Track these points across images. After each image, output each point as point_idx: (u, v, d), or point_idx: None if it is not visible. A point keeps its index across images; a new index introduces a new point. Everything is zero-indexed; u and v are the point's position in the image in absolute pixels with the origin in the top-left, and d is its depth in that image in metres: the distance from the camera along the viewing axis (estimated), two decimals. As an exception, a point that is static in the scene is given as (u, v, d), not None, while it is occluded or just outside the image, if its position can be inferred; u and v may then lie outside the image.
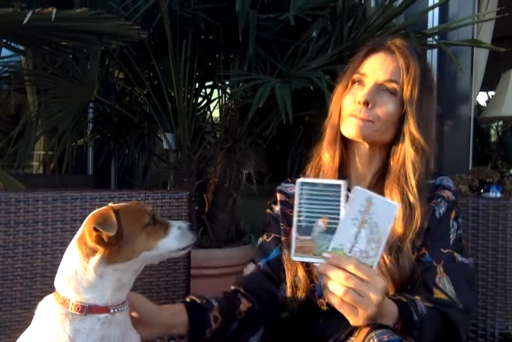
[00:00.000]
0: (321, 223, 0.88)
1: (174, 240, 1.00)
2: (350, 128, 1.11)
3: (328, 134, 1.18)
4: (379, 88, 1.11)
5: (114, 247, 0.94)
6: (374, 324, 0.86)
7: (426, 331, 0.97)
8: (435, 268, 1.07)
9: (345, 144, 1.18)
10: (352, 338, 0.89)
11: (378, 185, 1.13)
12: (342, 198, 0.87)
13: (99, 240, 0.93)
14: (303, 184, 0.90)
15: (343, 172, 1.18)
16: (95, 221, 0.93)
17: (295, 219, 0.90)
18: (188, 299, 1.13)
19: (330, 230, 0.87)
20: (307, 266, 1.14)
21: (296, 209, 0.90)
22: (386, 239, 0.85)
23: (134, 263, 0.97)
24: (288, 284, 1.16)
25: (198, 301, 1.12)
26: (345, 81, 1.18)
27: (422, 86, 1.11)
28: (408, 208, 1.08)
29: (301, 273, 1.14)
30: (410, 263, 1.06)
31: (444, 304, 1.03)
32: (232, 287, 1.22)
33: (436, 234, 1.11)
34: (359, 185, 1.14)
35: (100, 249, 0.93)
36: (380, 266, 0.99)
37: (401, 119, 1.11)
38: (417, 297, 1.03)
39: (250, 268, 1.24)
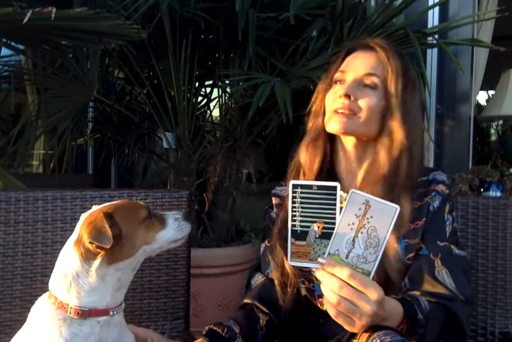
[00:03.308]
0: (316, 228, 0.86)
1: (173, 231, 1.01)
2: (334, 124, 1.11)
3: (310, 136, 1.18)
4: (359, 83, 1.11)
5: (115, 246, 0.94)
6: (376, 325, 0.86)
7: (431, 327, 0.97)
8: (433, 262, 1.07)
9: (332, 145, 1.19)
10: (354, 340, 0.89)
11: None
12: (338, 201, 0.85)
13: (99, 246, 0.93)
14: (295, 186, 0.88)
15: (333, 172, 1.18)
16: (90, 234, 0.92)
17: (289, 223, 0.88)
18: (207, 329, 1.10)
19: (326, 235, 0.85)
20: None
21: (290, 213, 0.88)
22: (385, 243, 0.83)
23: (134, 259, 0.97)
24: (277, 281, 1.15)
25: (219, 331, 1.09)
26: (327, 82, 1.18)
27: (404, 79, 1.11)
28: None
29: (288, 267, 1.13)
30: (397, 258, 1.05)
31: (445, 298, 1.03)
32: (246, 301, 1.20)
33: (432, 227, 1.10)
34: (351, 184, 1.14)
35: (102, 252, 0.93)
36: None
37: (384, 114, 1.11)
38: (417, 293, 1.03)
39: (258, 278, 1.23)
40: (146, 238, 0.97)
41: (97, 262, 0.93)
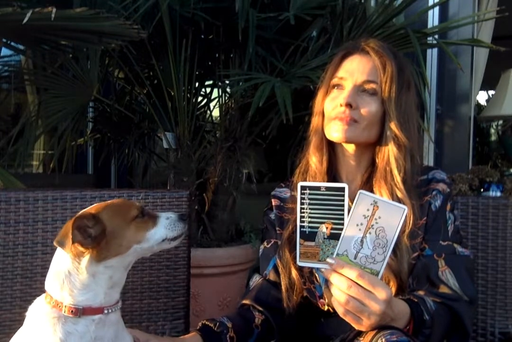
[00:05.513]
0: (324, 229, 0.87)
1: (163, 229, 1.00)
2: (336, 133, 1.11)
3: (313, 139, 1.19)
4: (358, 90, 1.12)
5: (101, 244, 0.94)
6: (382, 325, 0.86)
7: (436, 328, 0.98)
8: (436, 262, 1.07)
9: (332, 146, 1.19)
10: (360, 338, 0.89)
11: (368, 183, 1.14)
12: (346, 202, 0.86)
13: (81, 243, 0.93)
14: (304, 187, 0.89)
15: (333, 174, 1.18)
16: (57, 236, 0.93)
17: (298, 224, 0.89)
18: (201, 324, 1.12)
19: (335, 236, 0.86)
20: (300, 268, 1.13)
21: (298, 214, 0.89)
22: (394, 243, 0.83)
23: (124, 258, 0.97)
24: (283, 286, 1.16)
25: (211, 325, 1.11)
26: (325, 87, 1.19)
27: (399, 83, 1.12)
28: None
29: (294, 274, 1.14)
30: (409, 258, 1.07)
31: (449, 298, 1.04)
32: (244, 302, 1.21)
33: (434, 227, 1.11)
34: (350, 185, 1.15)
35: (87, 251, 0.94)
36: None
37: (383, 118, 1.12)
38: (421, 293, 1.03)
39: (256, 279, 1.24)
40: (136, 237, 0.97)
41: (85, 259, 0.94)
